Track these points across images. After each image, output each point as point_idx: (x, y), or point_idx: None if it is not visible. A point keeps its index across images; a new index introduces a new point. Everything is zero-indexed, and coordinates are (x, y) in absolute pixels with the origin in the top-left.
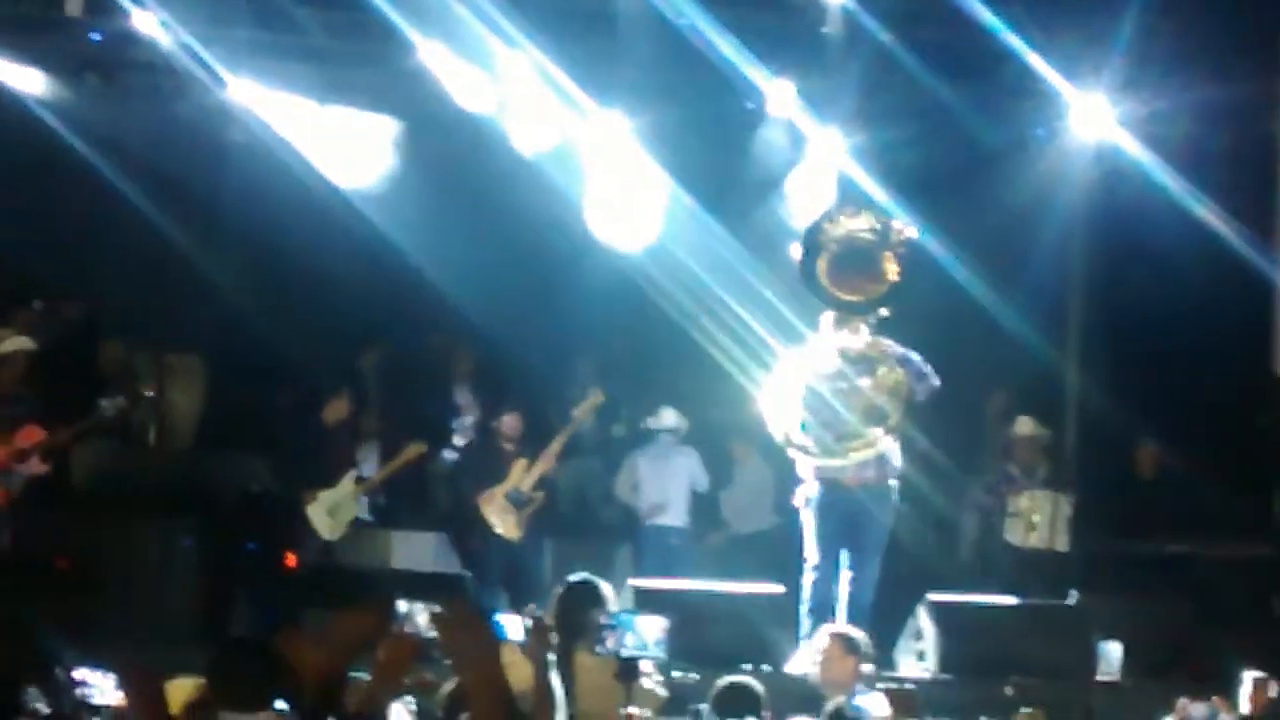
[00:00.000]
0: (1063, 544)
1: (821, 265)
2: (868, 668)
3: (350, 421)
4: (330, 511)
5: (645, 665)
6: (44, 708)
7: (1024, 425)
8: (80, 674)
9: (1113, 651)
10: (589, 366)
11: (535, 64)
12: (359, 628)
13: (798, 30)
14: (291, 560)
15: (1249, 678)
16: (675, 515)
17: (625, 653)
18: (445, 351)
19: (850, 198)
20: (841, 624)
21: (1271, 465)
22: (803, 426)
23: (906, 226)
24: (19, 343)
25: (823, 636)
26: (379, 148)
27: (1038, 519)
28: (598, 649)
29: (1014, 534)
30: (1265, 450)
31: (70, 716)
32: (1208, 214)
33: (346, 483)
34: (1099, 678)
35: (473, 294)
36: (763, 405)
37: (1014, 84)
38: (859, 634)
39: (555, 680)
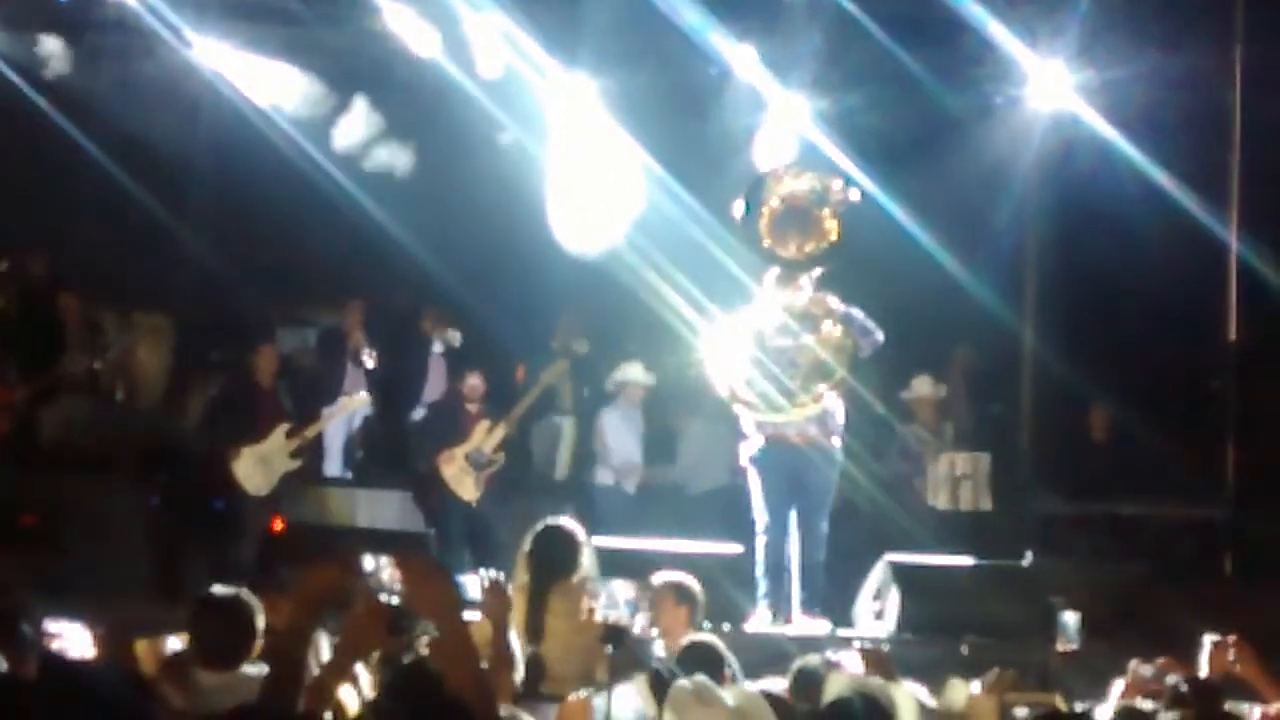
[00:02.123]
0: (986, 504)
1: (762, 222)
2: (823, 627)
3: (278, 374)
4: (258, 465)
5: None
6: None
7: (922, 385)
8: (53, 627)
9: (1070, 622)
10: (570, 322)
11: (501, 28)
12: (321, 584)
13: None
14: (278, 523)
15: (1208, 640)
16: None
17: (613, 617)
18: (419, 310)
19: (806, 160)
20: (677, 573)
21: (1225, 428)
22: (748, 383)
23: (848, 188)
24: None
25: (658, 583)
26: (346, 108)
27: (958, 479)
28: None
29: (938, 498)
30: (1219, 413)
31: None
32: (1164, 180)
33: (276, 436)
34: (1058, 648)
35: (440, 255)
36: (707, 362)
37: (974, 51)
38: (693, 583)
39: (514, 640)
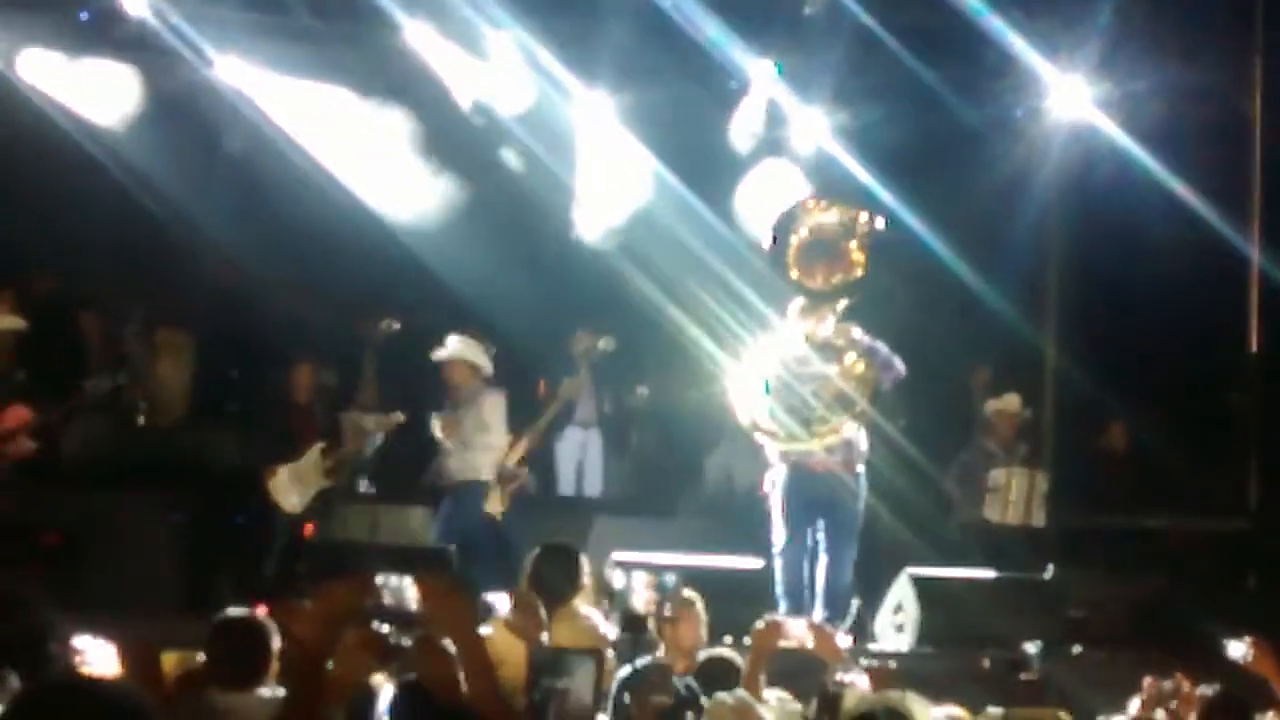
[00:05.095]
0: (1039, 519)
1: (790, 253)
2: (847, 642)
3: (316, 392)
4: (293, 484)
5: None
6: (16, 681)
7: (1009, 402)
8: (79, 643)
9: (1032, 651)
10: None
11: (520, 43)
12: (339, 601)
13: (779, 10)
14: (308, 530)
15: (1145, 682)
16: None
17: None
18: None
19: (823, 188)
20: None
21: (1246, 441)
22: (770, 412)
23: (874, 217)
24: (9, 322)
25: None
26: (368, 127)
27: (1014, 495)
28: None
29: (992, 510)
30: (1240, 426)
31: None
32: (1184, 193)
33: (312, 454)
34: (1021, 677)
35: (460, 271)
36: (730, 391)
37: (993, 65)
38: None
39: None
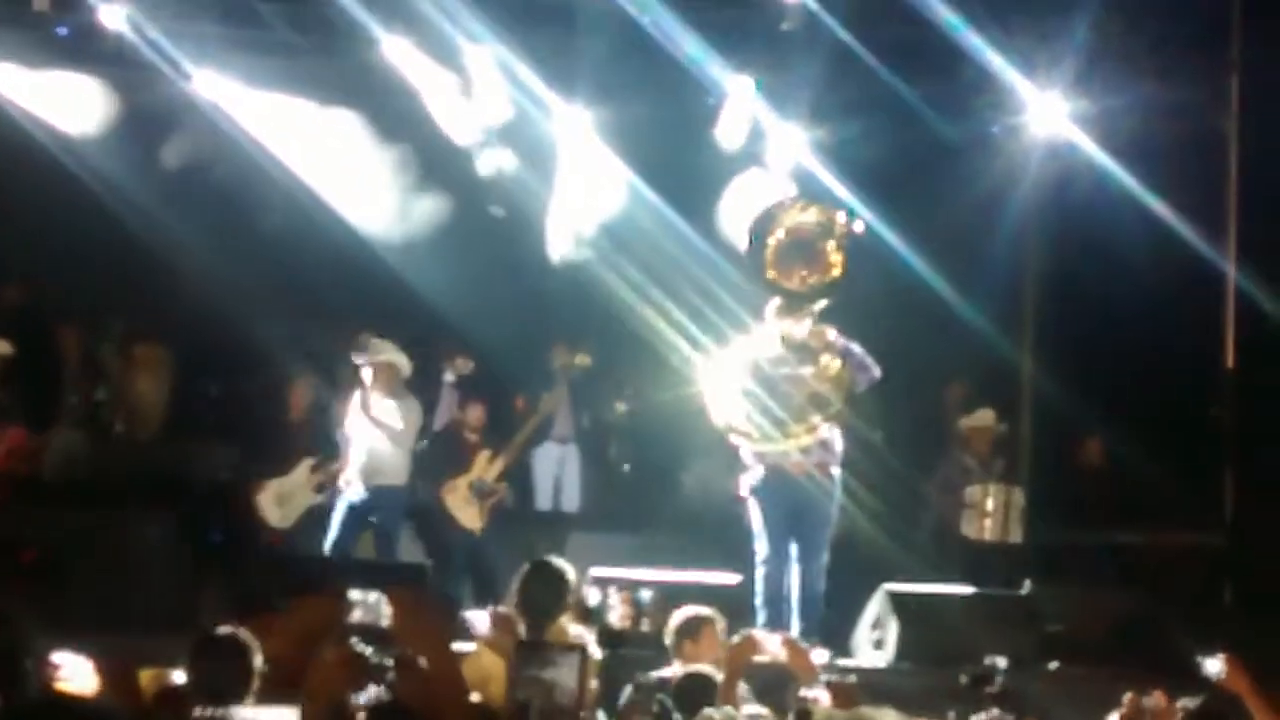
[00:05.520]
0: (1017, 535)
1: (767, 253)
2: (822, 656)
3: (311, 408)
4: (281, 500)
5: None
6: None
7: (983, 418)
8: (56, 660)
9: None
10: (564, 349)
11: (498, 58)
12: (314, 616)
13: (757, 26)
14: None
15: (1126, 697)
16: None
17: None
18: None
19: (804, 191)
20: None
21: (1222, 455)
22: (745, 413)
23: (853, 221)
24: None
25: (705, 612)
26: (344, 141)
27: (991, 511)
28: None
29: (969, 526)
30: (1216, 441)
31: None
32: (1160, 209)
33: (301, 470)
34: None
35: (438, 285)
36: (704, 393)
37: (971, 81)
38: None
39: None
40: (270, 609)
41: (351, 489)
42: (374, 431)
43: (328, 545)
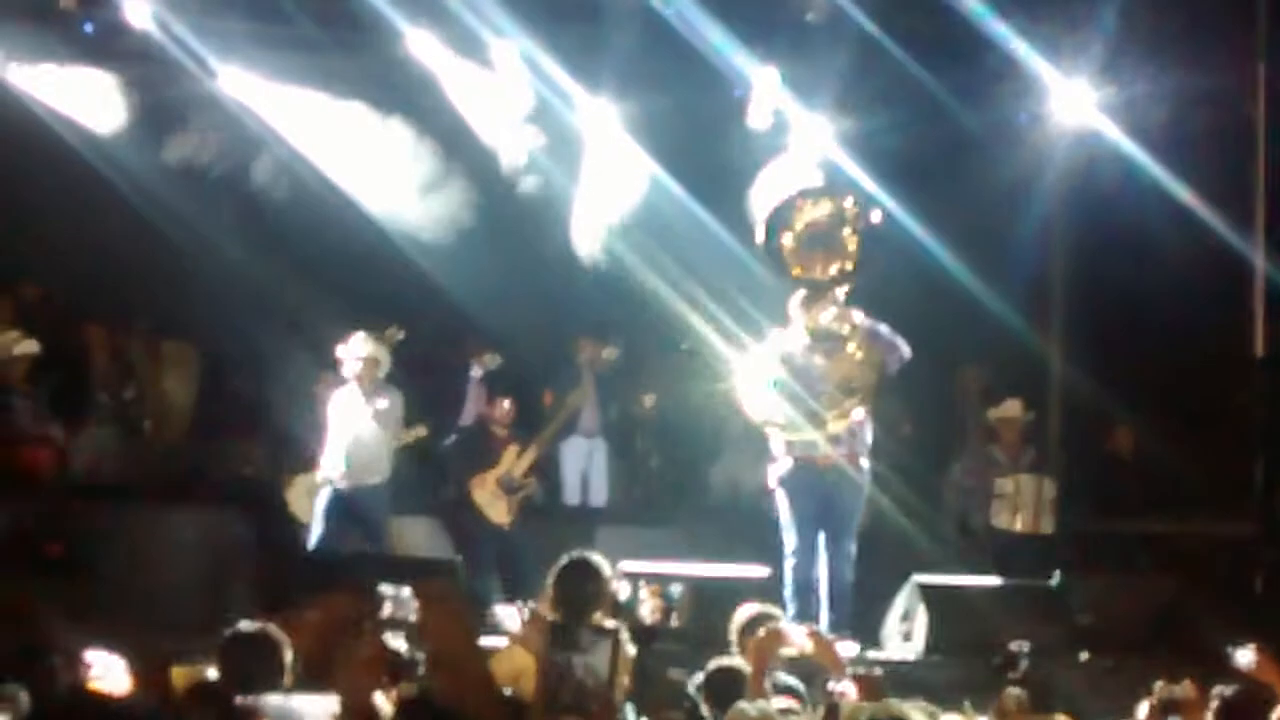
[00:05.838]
0: (1048, 526)
1: (787, 251)
2: (851, 649)
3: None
4: (309, 494)
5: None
6: (26, 699)
7: (1011, 408)
8: (88, 657)
9: None
10: (590, 343)
11: (523, 52)
12: (341, 611)
13: (782, 17)
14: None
15: (1157, 686)
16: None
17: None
18: (456, 336)
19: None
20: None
21: (1252, 444)
22: (778, 405)
23: (869, 208)
24: (26, 346)
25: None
26: (372, 137)
27: (1022, 502)
28: None
29: (1000, 517)
30: (1245, 429)
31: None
32: (1188, 197)
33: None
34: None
35: (466, 281)
36: (739, 388)
37: (997, 70)
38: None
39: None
40: (299, 605)
41: (336, 485)
42: (358, 427)
43: (312, 542)
